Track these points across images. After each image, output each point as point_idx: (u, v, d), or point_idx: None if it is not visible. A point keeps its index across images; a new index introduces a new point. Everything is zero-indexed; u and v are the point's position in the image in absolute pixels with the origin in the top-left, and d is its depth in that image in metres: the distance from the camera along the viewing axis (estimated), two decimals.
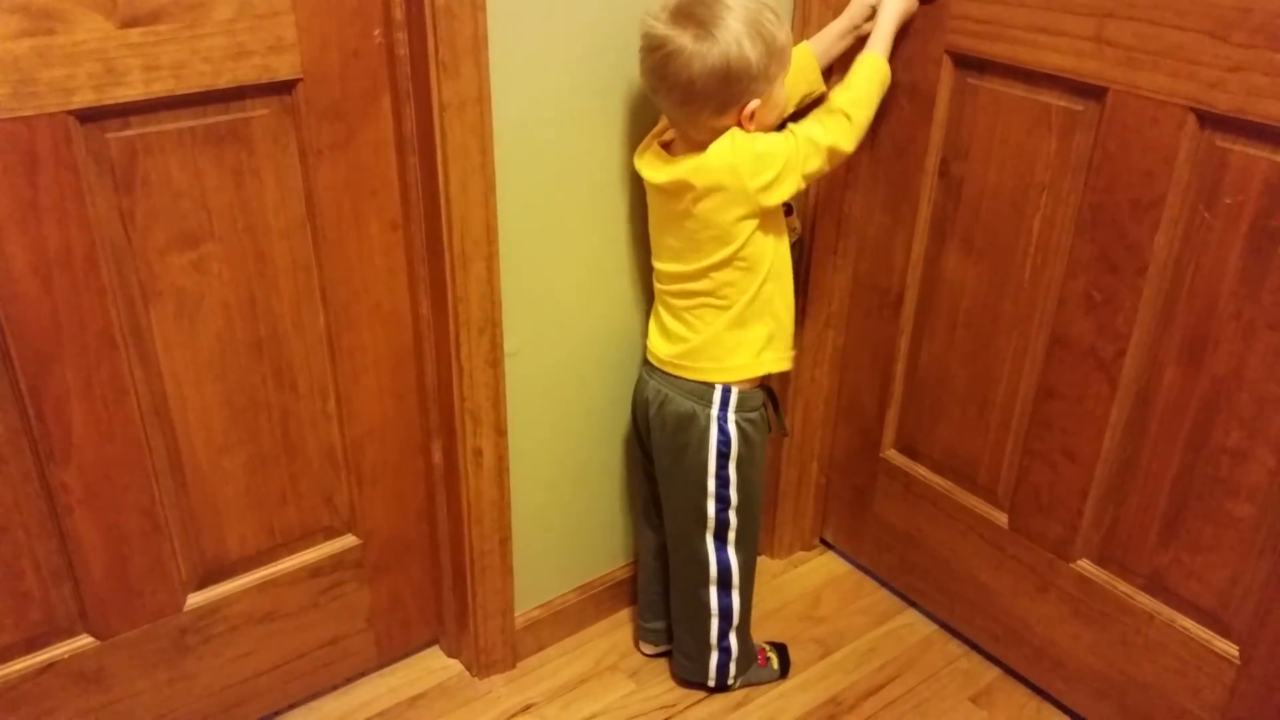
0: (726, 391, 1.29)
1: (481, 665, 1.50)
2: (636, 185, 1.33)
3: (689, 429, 1.30)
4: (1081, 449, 1.31)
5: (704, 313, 1.27)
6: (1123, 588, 1.33)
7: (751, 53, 1.12)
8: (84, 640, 1.22)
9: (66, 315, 1.06)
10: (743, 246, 1.22)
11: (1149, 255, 1.18)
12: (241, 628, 1.33)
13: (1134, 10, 1.12)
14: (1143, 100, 1.14)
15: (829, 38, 1.33)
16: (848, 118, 1.23)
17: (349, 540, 1.39)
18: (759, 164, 1.18)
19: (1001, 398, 1.41)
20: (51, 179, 1.00)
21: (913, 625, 1.63)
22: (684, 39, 1.12)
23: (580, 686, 1.51)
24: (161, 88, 1.02)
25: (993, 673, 1.54)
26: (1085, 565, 1.37)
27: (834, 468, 1.72)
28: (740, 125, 1.18)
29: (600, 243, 1.35)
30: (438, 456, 1.39)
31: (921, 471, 1.57)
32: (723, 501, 1.33)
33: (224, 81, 1.06)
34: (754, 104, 1.16)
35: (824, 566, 1.76)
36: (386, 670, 1.52)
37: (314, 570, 1.37)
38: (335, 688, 1.48)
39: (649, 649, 1.56)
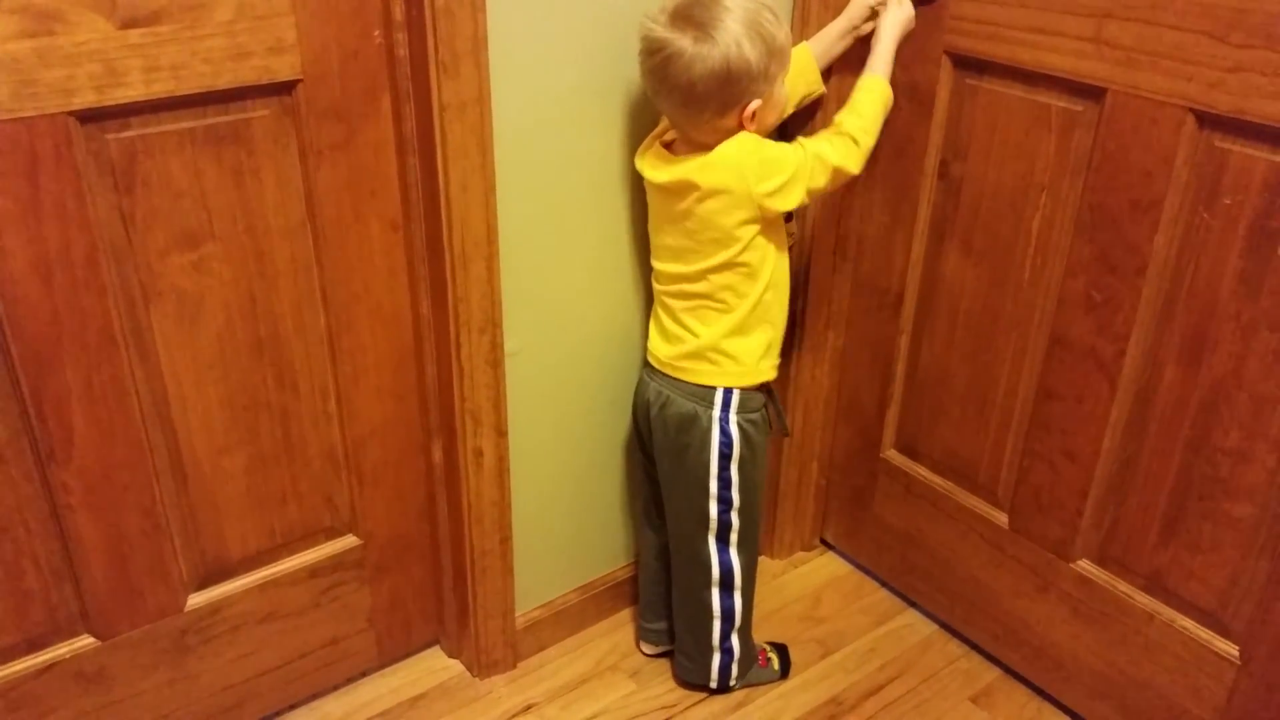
0: (728, 393, 1.29)
1: (482, 665, 1.50)
2: (637, 185, 1.33)
3: (691, 430, 1.30)
4: (1081, 449, 1.31)
5: (702, 314, 1.27)
6: (1123, 588, 1.33)
7: (751, 53, 1.12)
8: (85, 640, 1.22)
9: (67, 316, 1.06)
10: (742, 251, 1.22)
11: (1148, 255, 1.18)
12: (242, 628, 1.34)
13: (1133, 11, 1.12)
14: (1142, 101, 1.14)
15: (828, 38, 1.34)
16: (855, 142, 1.24)
17: (350, 540, 1.39)
18: (765, 169, 1.18)
19: (1001, 398, 1.41)
20: (52, 180, 1.00)
21: (913, 625, 1.63)
22: (684, 41, 1.12)
23: (581, 687, 1.51)
24: (161, 88, 1.02)
25: (993, 673, 1.54)
26: (1085, 565, 1.37)
27: (834, 468, 1.72)
28: (741, 125, 1.18)
29: (601, 242, 1.35)
30: (438, 457, 1.39)
31: (921, 472, 1.57)
32: (725, 503, 1.34)
33: (224, 82, 1.06)
34: (755, 104, 1.16)
35: (824, 567, 1.76)
36: (387, 670, 1.52)
37: (314, 570, 1.37)
38: (336, 688, 1.48)
39: (650, 649, 1.56)
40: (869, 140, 1.25)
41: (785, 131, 1.43)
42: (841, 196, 1.49)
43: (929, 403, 1.52)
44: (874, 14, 1.31)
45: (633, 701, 1.49)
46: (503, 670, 1.53)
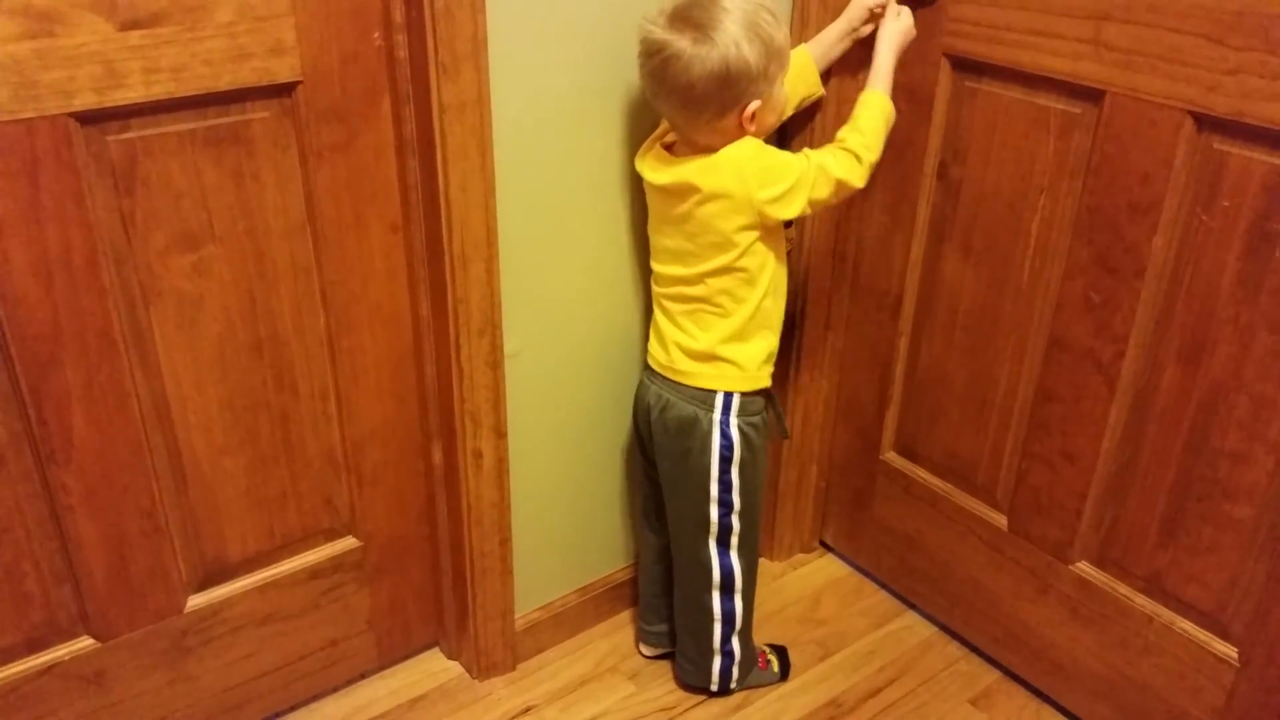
0: (729, 397, 1.29)
1: (482, 667, 1.50)
2: (636, 187, 1.33)
3: (691, 434, 1.30)
4: (1080, 451, 1.31)
5: (700, 318, 1.27)
6: (1122, 590, 1.33)
7: (750, 54, 1.12)
8: (84, 642, 1.22)
9: (67, 317, 1.06)
10: (740, 256, 1.22)
11: (1147, 257, 1.18)
12: (242, 629, 1.34)
13: (1131, 13, 1.12)
14: (1140, 103, 1.14)
15: (827, 40, 1.34)
16: (858, 159, 1.23)
17: (349, 542, 1.39)
18: (766, 175, 1.18)
19: (1000, 399, 1.41)
20: (52, 181, 1.00)
21: (912, 627, 1.63)
22: (682, 43, 1.12)
23: (580, 688, 1.51)
24: (162, 90, 1.02)
25: (992, 675, 1.54)
26: (1084, 567, 1.37)
27: (833, 470, 1.72)
28: (741, 126, 1.18)
29: (600, 244, 1.36)
30: (438, 458, 1.39)
31: (921, 473, 1.57)
32: (726, 506, 1.33)
33: (224, 84, 1.06)
34: (754, 105, 1.16)
35: (824, 569, 1.76)
36: (387, 672, 1.52)
37: (314, 572, 1.37)
38: (336, 689, 1.48)
39: (649, 651, 1.56)
40: (872, 156, 1.25)
41: (784, 134, 1.43)
42: None
43: (928, 404, 1.52)
44: (873, 16, 1.31)
45: (632, 703, 1.49)
46: (502, 672, 1.53)
